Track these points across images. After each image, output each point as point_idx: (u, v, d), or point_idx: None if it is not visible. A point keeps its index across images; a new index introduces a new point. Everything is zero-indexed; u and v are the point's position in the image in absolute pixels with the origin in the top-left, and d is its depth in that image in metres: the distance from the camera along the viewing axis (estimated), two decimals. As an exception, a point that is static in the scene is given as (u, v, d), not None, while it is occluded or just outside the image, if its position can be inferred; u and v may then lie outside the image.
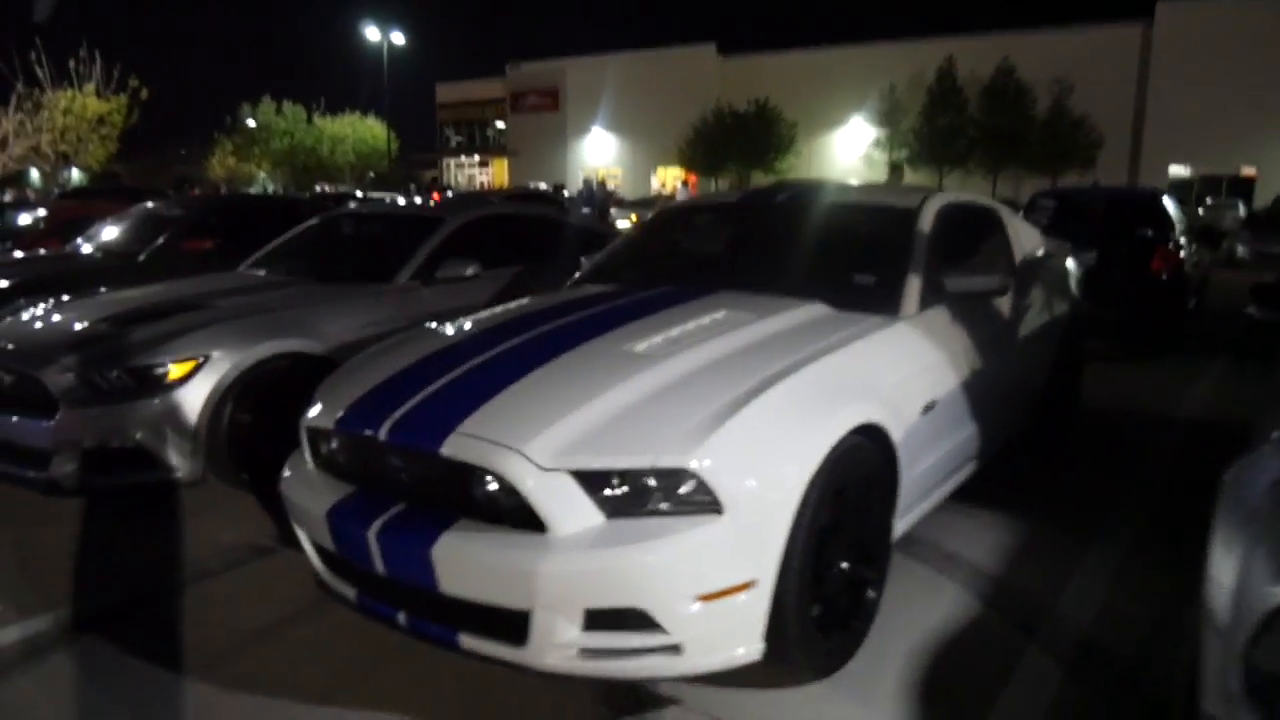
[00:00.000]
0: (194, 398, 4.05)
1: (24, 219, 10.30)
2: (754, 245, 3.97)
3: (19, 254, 7.62)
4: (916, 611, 3.16)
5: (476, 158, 60.68)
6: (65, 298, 4.97)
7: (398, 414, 2.56)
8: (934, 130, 43.65)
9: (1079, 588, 3.38)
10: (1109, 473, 4.76)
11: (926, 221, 3.73)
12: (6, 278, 6.32)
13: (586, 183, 27.21)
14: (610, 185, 31.53)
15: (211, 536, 3.93)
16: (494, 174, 59.40)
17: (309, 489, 2.82)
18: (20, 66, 23.48)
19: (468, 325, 3.32)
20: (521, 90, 57.97)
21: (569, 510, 2.30)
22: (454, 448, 2.38)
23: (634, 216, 24.36)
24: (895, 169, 43.92)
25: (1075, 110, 41.49)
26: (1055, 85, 41.61)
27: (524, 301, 3.64)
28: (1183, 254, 8.07)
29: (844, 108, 48.94)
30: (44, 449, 4.02)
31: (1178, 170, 41.23)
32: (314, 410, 2.88)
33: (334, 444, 2.82)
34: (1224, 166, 36.80)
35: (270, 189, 44.58)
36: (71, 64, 24.48)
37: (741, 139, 46.55)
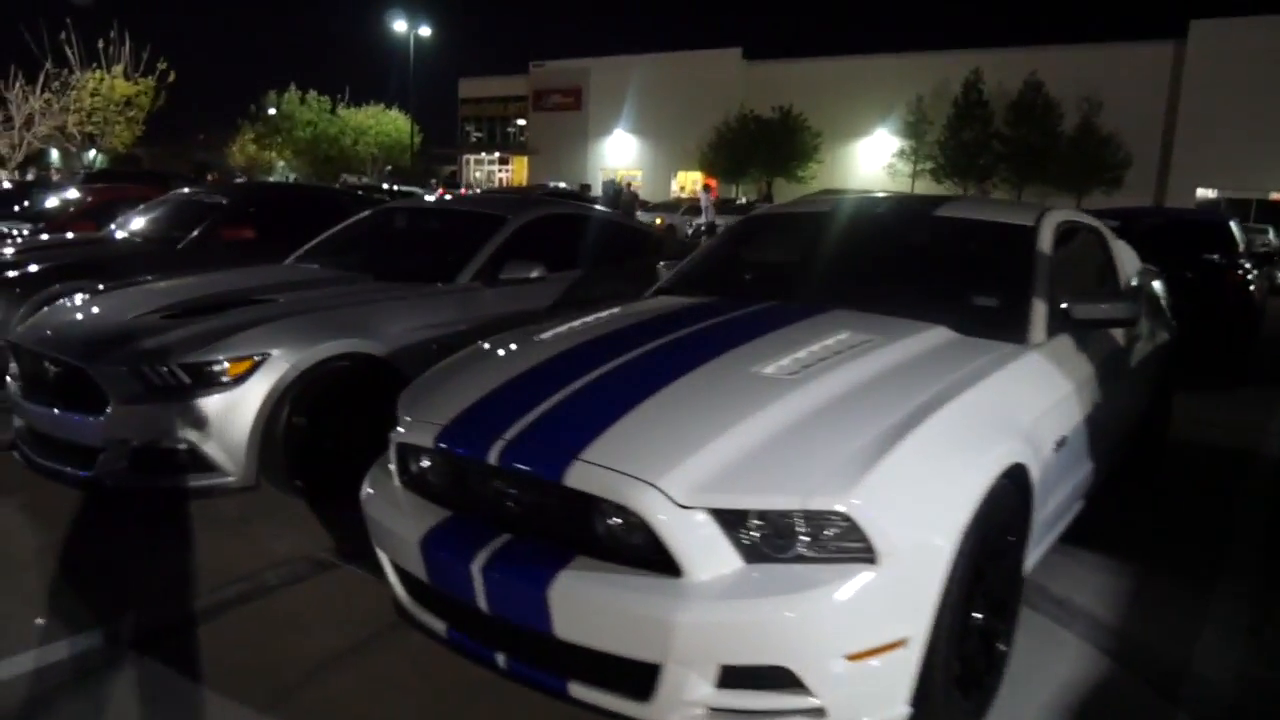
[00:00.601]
0: (251, 398, 3.82)
1: (51, 201, 10.11)
2: (858, 259, 3.71)
3: (52, 236, 7.40)
4: (1040, 665, 2.90)
5: (496, 155, 60.51)
6: (111, 286, 4.75)
7: (508, 435, 2.32)
8: (959, 143, 43.27)
9: (1210, 644, 3.12)
10: (1204, 507, 4.51)
11: (1046, 240, 3.47)
12: (43, 261, 6.12)
13: (612, 184, 26.95)
14: (628, 187, 31.26)
15: (265, 547, 3.70)
16: (514, 172, 59.23)
17: (396, 510, 2.58)
18: (50, 46, 23.38)
19: (563, 336, 3.07)
20: (544, 89, 57.81)
21: (706, 553, 2.05)
22: (578, 478, 2.14)
23: (660, 220, 24.14)
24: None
25: (1103, 128, 41.03)
26: (1084, 102, 41.16)
27: (615, 312, 3.39)
28: (1250, 280, 7.79)
29: (868, 117, 48.61)
30: (91, 445, 3.80)
31: (1205, 193, 40.86)
32: (405, 425, 2.64)
33: (427, 463, 2.58)
34: (1254, 190, 36.40)
35: (291, 178, 44.47)
36: (101, 45, 24.37)
37: (764, 145, 46.22)
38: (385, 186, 26.25)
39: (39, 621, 3.05)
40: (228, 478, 3.83)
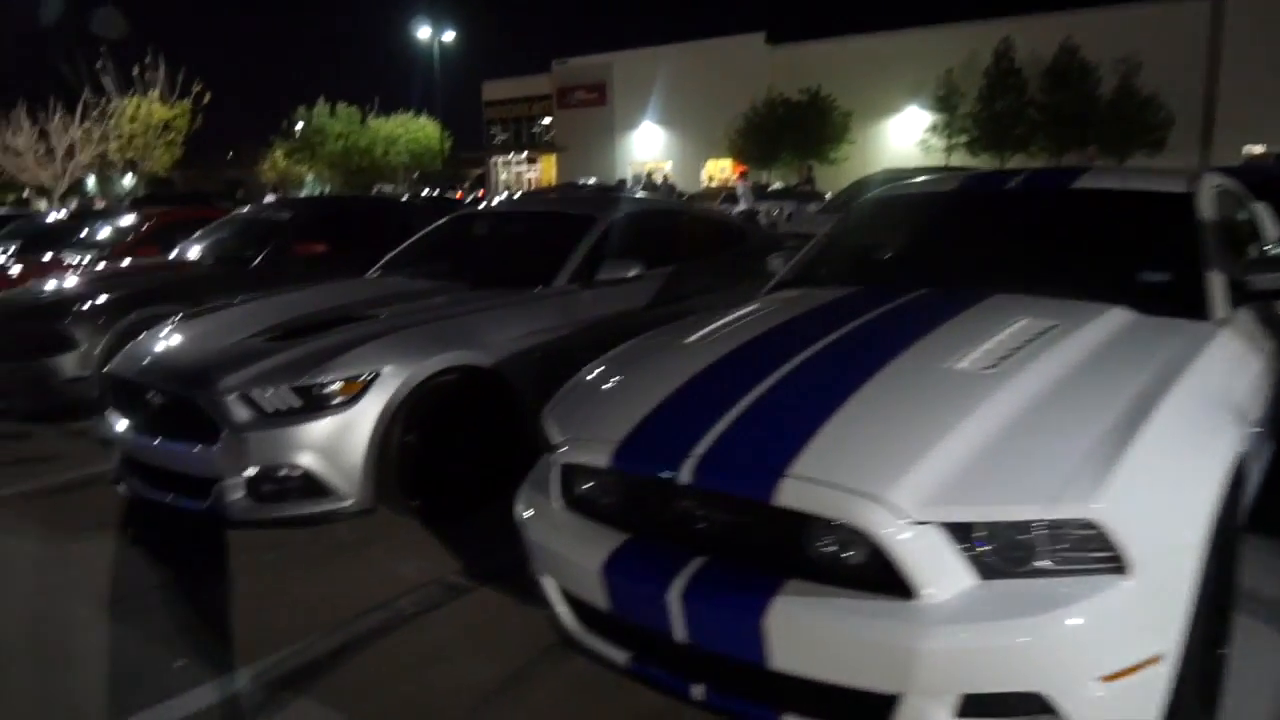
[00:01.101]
0: (364, 418, 3.69)
1: (106, 229, 10.03)
2: (1002, 240, 3.50)
3: (122, 264, 7.36)
4: (1254, 667, 2.68)
5: (525, 155, 60.48)
6: (201, 310, 4.66)
7: (698, 451, 2.14)
8: (993, 114, 42.50)
9: None
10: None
11: (1207, 206, 3.24)
12: (119, 289, 6.06)
13: (648, 176, 26.74)
14: (665, 179, 30.98)
15: (393, 572, 3.57)
16: (542, 171, 59.18)
17: (564, 535, 2.42)
18: (88, 74, 23.63)
19: (715, 338, 2.88)
20: (568, 86, 57.61)
21: (940, 571, 1.87)
22: (791, 496, 1.96)
23: (772, 211, 23.69)
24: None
25: (1143, 89, 40.05)
26: (1121, 64, 40.19)
27: (757, 309, 3.20)
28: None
29: (897, 94, 47.92)
30: (204, 476, 3.69)
31: (1252, 148, 39.70)
32: (567, 444, 2.48)
33: (597, 483, 2.42)
34: (1304, 144, 35.25)
35: (323, 191, 44.72)
36: (136, 70, 24.62)
37: (794, 129, 45.70)
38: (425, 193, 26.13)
39: (179, 664, 2.94)
40: (345, 502, 3.70)
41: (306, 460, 3.62)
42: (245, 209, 8.34)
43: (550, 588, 2.54)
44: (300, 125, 51.01)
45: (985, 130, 42.70)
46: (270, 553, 3.81)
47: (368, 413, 3.69)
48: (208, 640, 3.11)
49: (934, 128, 45.23)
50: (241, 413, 3.61)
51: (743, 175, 23.61)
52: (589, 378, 2.89)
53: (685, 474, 2.13)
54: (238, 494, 3.66)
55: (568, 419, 2.60)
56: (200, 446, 3.67)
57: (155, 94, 24.93)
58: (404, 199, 16.61)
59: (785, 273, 3.84)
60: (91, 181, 33.84)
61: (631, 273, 4.67)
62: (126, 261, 7.35)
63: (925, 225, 3.78)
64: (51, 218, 12.06)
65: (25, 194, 25.28)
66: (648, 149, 55.50)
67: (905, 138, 47.83)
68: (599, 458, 2.32)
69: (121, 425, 4.09)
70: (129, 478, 4.07)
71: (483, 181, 56.97)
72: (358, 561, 3.72)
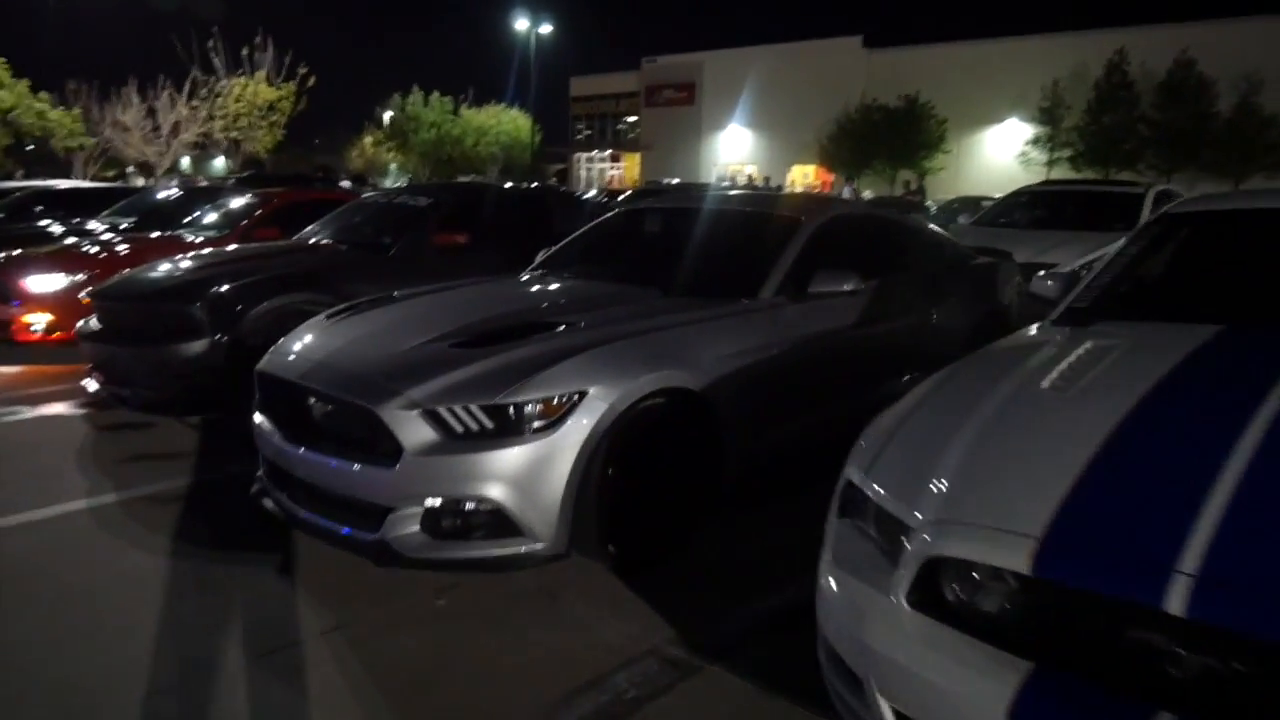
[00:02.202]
0: (566, 446, 3.09)
1: (212, 211, 9.65)
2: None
3: (252, 246, 6.92)
4: None
5: (608, 152, 60.19)
6: (360, 305, 4.12)
7: (1186, 567, 1.48)
8: (1100, 128, 40.70)
9: None
10: None
11: None
12: (253, 273, 5.59)
13: (747, 180, 25.97)
14: (766, 180, 30.16)
15: (596, 636, 2.96)
16: (625, 169, 58.81)
17: (923, 649, 1.77)
18: (199, 53, 23.83)
19: (1079, 383, 2.20)
20: (657, 84, 57.12)
21: None
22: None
23: None
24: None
25: (1265, 108, 37.89)
26: (1242, 81, 38.11)
27: (1108, 344, 2.51)
28: None
29: (998, 104, 46.36)
30: (375, 504, 3.13)
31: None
32: (936, 527, 1.83)
33: (983, 586, 1.76)
34: None
35: (405, 181, 44.87)
36: (245, 51, 24.76)
37: (890, 135, 44.39)
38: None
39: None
40: (537, 545, 3.10)
41: (498, 493, 3.03)
42: (376, 194, 7.89)
43: (884, 709, 1.88)
44: (389, 114, 51.38)
45: (1091, 145, 40.95)
46: (441, 597, 3.23)
47: (570, 440, 3.09)
48: (402, 709, 2.54)
49: (1036, 140, 43.58)
50: (425, 432, 3.04)
51: (850, 179, 22.70)
52: (913, 430, 2.23)
53: (1173, 600, 1.46)
54: (411, 527, 3.09)
55: (917, 489, 1.95)
56: (369, 467, 3.12)
57: (262, 75, 25.07)
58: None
59: (1074, 298, 3.12)
60: (186, 161, 34.39)
61: (848, 286, 4.00)
62: (253, 244, 6.91)
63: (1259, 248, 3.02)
64: (162, 194, 11.84)
65: (129, 169, 25.59)
66: (734, 151, 54.72)
67: (1004, 149, 46.25)
68: (1010, 557, 1.66)
69: (270, 431, 3.57)
70: (276, 493, 3.55)
71: (564, 179, 56.88)
72: (547, 617, 3.12)
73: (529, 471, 3.05)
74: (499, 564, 3.14)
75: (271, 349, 3.86)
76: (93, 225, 10.26)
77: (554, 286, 4.38)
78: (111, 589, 3.28)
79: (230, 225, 8.40)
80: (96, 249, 7.86)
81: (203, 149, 26.72)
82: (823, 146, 47.33)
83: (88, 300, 5.88)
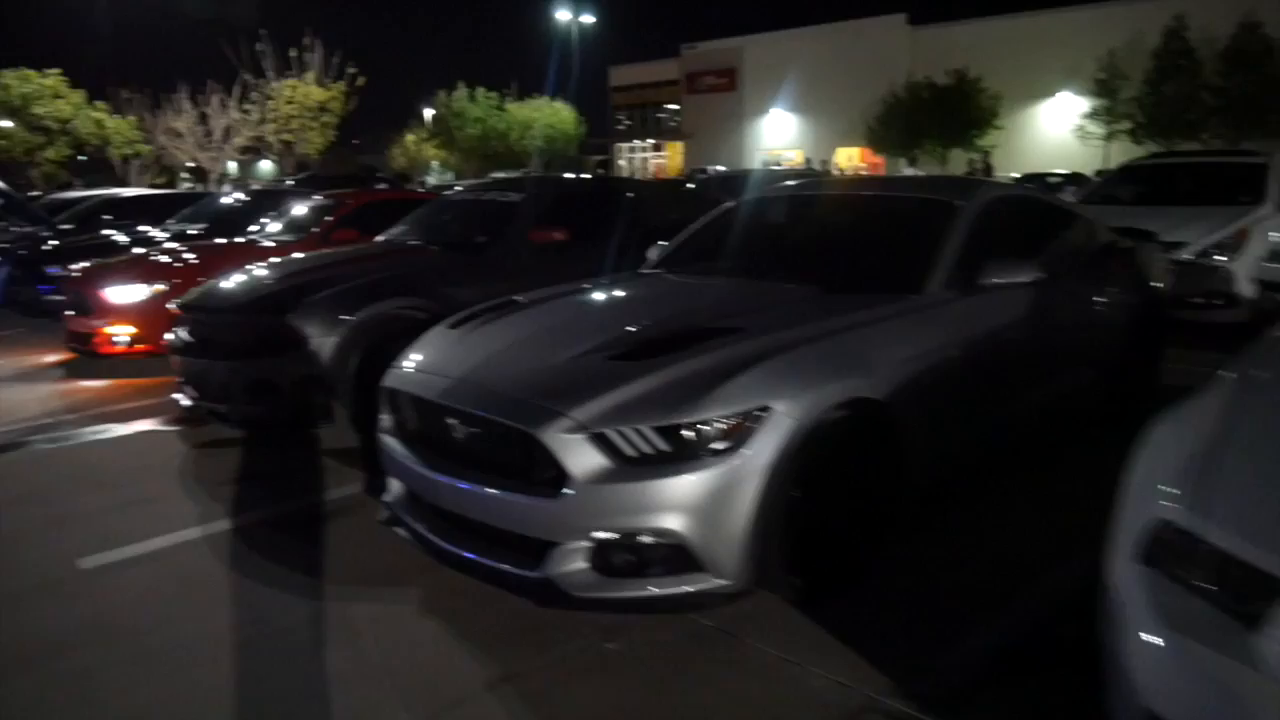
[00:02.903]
0: (752, 468, 2.73)
1: (292, 212, 9.35)
2: None
3: (341, 249, 6.65)
4: None
5: (650, 142, 59.75)
6: (486, 313, 3.80)
7: None
8: (1161, 98, 39.34)
9: None
10: None
11: None
12: (350, 278, 5.31)
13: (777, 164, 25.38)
14: (823, 163, 29.51)
15: (797, 684, 2.61)
16: (668, 158, 58.33)
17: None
18: (248, 57, 23.83)
19: None
20: (697, 71, 56.49)
21: None
22: None
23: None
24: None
25: (1336, 70, 36.35)
26: (1312, 42, 36.58)
27: None
28: None
29: (1049, 78, 45.16)
30: (537, 538, 2.81)
31: None
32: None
33: None
34: None
35: (450, 178, 44.76)
36: (293, 53, 24.71)
37: (940, 114, 43.31)
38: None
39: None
40: (720, 581, 2.75)
41: (677, 524, 2.69)
42: (462, 191, 7.61)
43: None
44: (430, 112, 51.36)
45: (1152, 116, 39.60)
46: (610, 640, 2.90)
47: (755, 462, 2.73)
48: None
49: (1092, 113, 42.28)
50: (594, 458, 2.71)
51: (910, 162, 22.01)
52: (1257, 457, 1.84)
53: None
54: (578, 564, 2.76)
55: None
56: (529, 498, 2.79)
57: (311, 76, 25.01)
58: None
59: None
60: (233, 166, 34.64)
61: (1026, 277, 3.60)
62: (340, 248, 6.64)
63: None
64: (227, 200, 11.69)
65: (185, 175, 25.76)
66: (777, 136, 53.97)
67: (1058, 124, 45.05)
68: None
69: (404, 455, 3.26)
70: (413, 522, 3.24)
71: (606, 169, 56.50)
72: (734, 660, 2.77)
73: (711, 499, 2.70)
74: (678, 603, 2.80)
75: (397, 364, 3.55)
76: (154, 233, 10.13)
77: (697, 287, 4.02)
78: (242, 637, 2.99)
79: (306, 229, 8.18)
80: (175, 257, 7.68)
81: (256, 153, 26.74)
82: (870, 128, 46.40)
83: (176, 311, 5.65)
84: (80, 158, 28.46)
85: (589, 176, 8.42)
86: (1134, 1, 43.37)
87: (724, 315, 3.35)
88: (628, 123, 62.03)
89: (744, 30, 55.51)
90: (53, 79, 23.78)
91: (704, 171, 33.81)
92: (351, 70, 25.31)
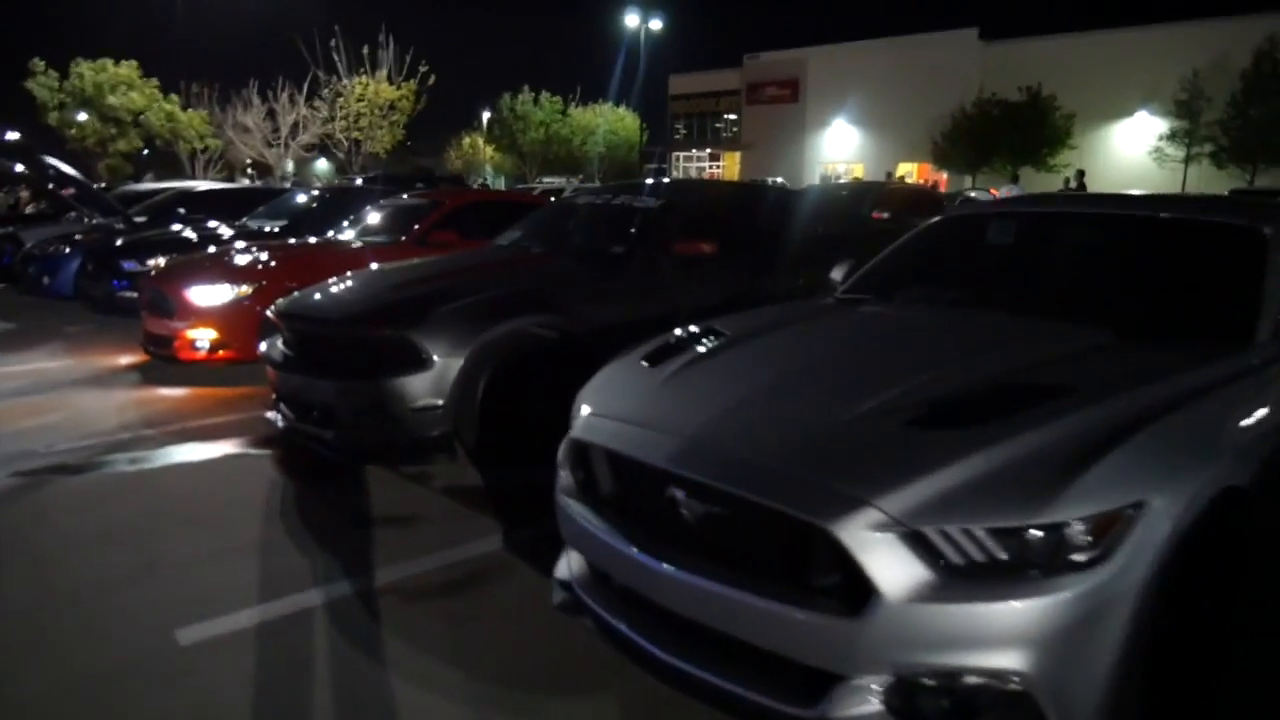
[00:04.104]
0: (1122, 589, 1.96)
1: (380, 213, 8.67)
2: None
3: (459, 257, 5.96)
4: None
5: (707, 151, 59.06)
6: (684, 341, 3.07)
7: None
8: (1248, 122, 37.75)
9: None
10: None
11: None
12: (477, 289, 4.62)
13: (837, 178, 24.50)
14: (888, 175, 28.56)
15: None
16: (725, 168, 57.58)
17: None
18: (321, 54, 23.51)
19: None
20: (759, 81, 55.69)
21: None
22: None
23: None
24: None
25: None
26: None
27: None
28: None
29: (1126, 97, 43.73)
30: (814, 667, 2.06)
31: None
32: None
33: None
34: None
35: (497, 183, 44.30)
36: (366, 50, 24.34)
37: (1012, 131, 42.04)
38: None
39: None
40: (1075, 737, 1.99)
41: (1019, 662, 1.93)
42: (584, 193, 6.93)
43: None
44: (487, 115, 51.14)
45: (1236, 139, 38.01)
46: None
47: (1128, 579, 1.97)
48: None
49: (1171, 135, 40.74)
50: (909, 566, 1.96)
51: (1015, 179, 20.99)
52: None
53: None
54: (868, 706, 2.01)
55: None
56: (806, 611, 2.04)
57: (384, 74, 24.65)
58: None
59: None
60: (289, 164, 34.51)
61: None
62: (456, 255, 5.96)
63: None
64: (304, 196, 11.13)
65: (249, 171, 25.55)
66: (839, 149, 52.97)
67: (1134, 145, 43.56)
68: None
69: (599, 528, 2.54)
70: (604, 611, 2.51)
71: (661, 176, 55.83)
72: None
73: (1069, 629, 1.93)
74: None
75: (581, 408, 2.83)
76: (223, 230, 9.58)
77: (948, 322, 3.22)
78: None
79: (400, 231, 7.54)
80: (261, 256, 7.07)
81: (324, 150, 26.46)
82: (936, 143, 45.23)
83: (273, 318, 4.99)
84: (144, 151, 28.42)
85: (734, 181, 7.69)
86: (1219, 20, 41.83)
87: (1026, 366, 2.57)
88: (683, 131, 61.37)
89: (805, 42, 54.55)
90: (127, 69, 23.66)
91: (765, 182, 33.02)
92: (424, 69, 24.94)
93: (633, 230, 5.23)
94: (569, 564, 2.75)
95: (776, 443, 2.27)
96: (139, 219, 10.91)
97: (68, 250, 10.48)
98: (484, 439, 4.35)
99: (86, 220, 11.35)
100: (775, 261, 5.38)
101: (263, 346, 5.12)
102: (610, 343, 4.74)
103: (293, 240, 8.10)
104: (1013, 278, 3.56)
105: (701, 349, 2.94)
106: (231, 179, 26.76)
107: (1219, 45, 39.81)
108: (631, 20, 37.07)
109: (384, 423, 4.30)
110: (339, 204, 9.86)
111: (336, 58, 23.54)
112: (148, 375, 6.86)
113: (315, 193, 11.25)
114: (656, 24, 36.85)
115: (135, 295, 8.16)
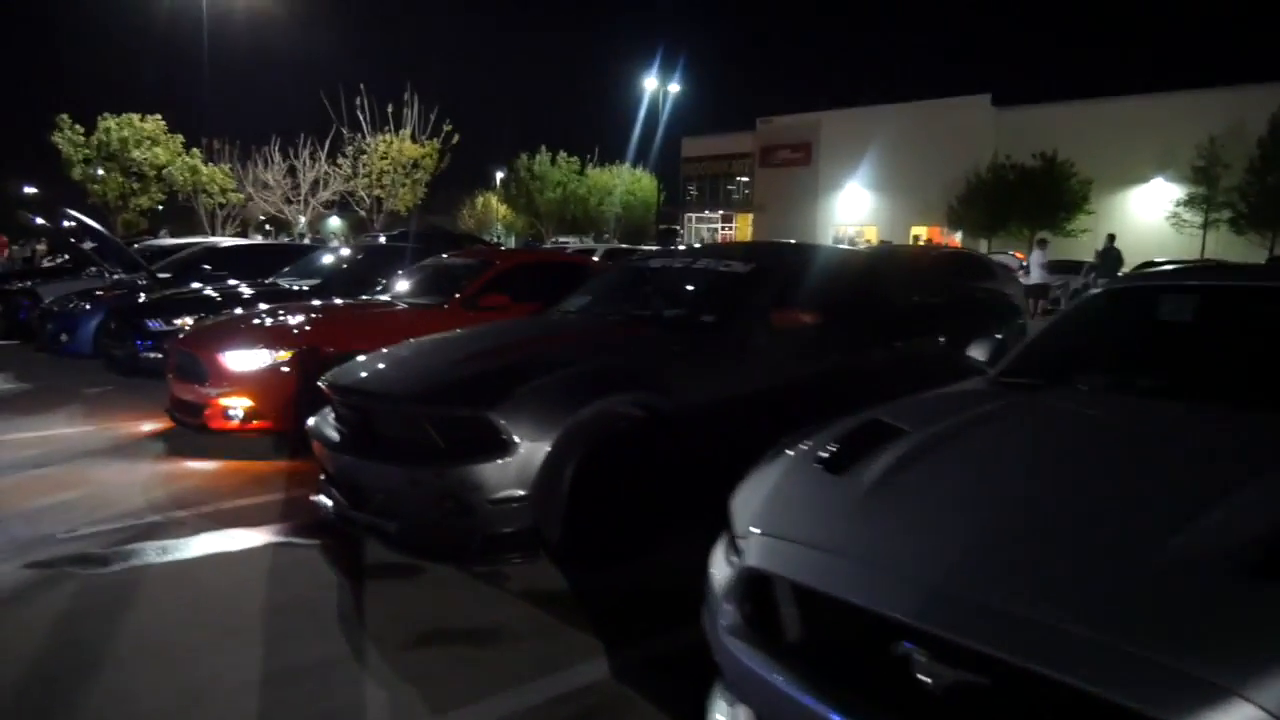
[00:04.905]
0: None
1: (411, 278, 8.20)
2: None
3: (529, 324, 5.45)
4: None
5: (720, 213, 59.24)
6: (880, 436, 2.53)
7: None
8: (1265, 188, 37.66)
9: None
10: None
11: None
12: (561, 363, 4.11)
13: (886, 243, 24.16)
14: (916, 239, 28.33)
15: None
16: (737, 230, 57.67)
17: None
18: (346, 112, 23.43)
19: None
20: (772, 144, 56.04)
21: None
22: None
23: None
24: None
25: None
26: None
27: None
28: None
29: (1141, 163, 43.76)
30: None
31: None
32: None
33: None
34: None
35: (506, 242, 44.21)
36: (390, 109, 24.28)
37: (1027, 195, 42.02)
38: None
39: None
40: None
41: None
42: (658, 256, 6.47)
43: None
44: (499, 175, 51.40)
45: (1255, 206, 37.88)
46: None
47: None
48: None
49: (1189, 200, 40.65)
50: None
51: (1042, 243, 20.62)
52: None
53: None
54: None
55: None
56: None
57: (407, 132, 24.55)
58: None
59: None
60: (302, 220, 34.39)
61: None
62: (527, 323, 5.45)
63: None
64: (333, 255, 10.70)
65: (266, 227, 25.34)
66: (852, 212, 53.04)
67: (1150, 210, 43.46)
68: None
69: (781, 681, 1.97)
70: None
71: (673, 238, 56.00)
72: None
73: None
74: None
75: (748, 528, 2.28)
76: (243, 289, 9.11)
77: (1170, 417, 2.67)
78: None
79: (444, 292, 7.06)
80: (299, 318, 6.58)
81: (344, 207, 26.26)
82: (951, 207, 45.24)
83: (326, 390, 4.46)
84: (158, 207, 28.27)
85: (832, 245, 7.24)
86: (1237, 88, 42.02)
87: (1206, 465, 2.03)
88: (695, 193, 61.67)
89: (820, 106, 54.99)
90: (152, 124, 23.59)
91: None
92: (448, 128, 24.83)
93: (724, 297, 4.73)
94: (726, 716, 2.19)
95: (1070, 597, 1.71)
96: (162, 275, 10.46)
97: (88, 306, 10.04)
98: (570, 535, 3.79)
99: (108, 276, 10.93)
100: (874, 333, 4.88)
101: (310, 421, 4.59)
102: (705, 423, 4.25)
103: (334, 301, 7.61)
104: (1209, 361, 3.03)
105: (893, 453, 2.38)
106: (245, 234, 26.58)
107: (1235, 113, 40.00)
108: (650, 83, 37.19)
109: (458, 516, 3.74)
110: (374, 262, 9.44)
111: (361, 115, 23.59)
112: (174, 445, 6.32)
113: (348, 250, 10.83)
114: (675, 87, 36.89)
115: (160, 356, 7.69)
